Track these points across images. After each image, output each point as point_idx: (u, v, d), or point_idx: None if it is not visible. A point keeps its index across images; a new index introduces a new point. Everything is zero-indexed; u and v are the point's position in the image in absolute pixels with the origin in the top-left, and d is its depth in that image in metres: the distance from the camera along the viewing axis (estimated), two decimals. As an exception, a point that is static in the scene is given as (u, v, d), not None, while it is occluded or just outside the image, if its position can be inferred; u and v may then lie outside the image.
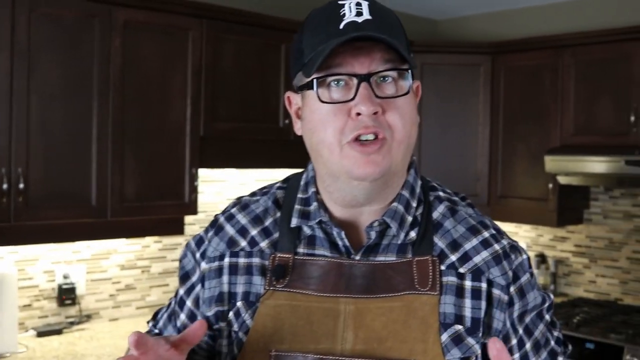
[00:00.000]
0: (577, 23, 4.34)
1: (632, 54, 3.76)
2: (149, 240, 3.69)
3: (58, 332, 3.28)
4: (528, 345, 1.26)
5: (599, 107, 3.91)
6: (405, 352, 1.16)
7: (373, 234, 1.21)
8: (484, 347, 1.19)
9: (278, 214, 1.28)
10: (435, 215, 1.26)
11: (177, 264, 3.78)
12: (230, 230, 1.29)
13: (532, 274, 1.28)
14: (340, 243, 1.22)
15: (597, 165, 3.76)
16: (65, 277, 3.39)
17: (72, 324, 3.40)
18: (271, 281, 1.22)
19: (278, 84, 3.73)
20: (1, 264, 3.19)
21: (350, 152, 1.14)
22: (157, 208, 3.31)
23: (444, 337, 1.17)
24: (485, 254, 1.22)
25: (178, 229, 3.43)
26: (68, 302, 3.39)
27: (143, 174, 3.25)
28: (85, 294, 3.48)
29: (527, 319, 1.26)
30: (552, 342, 1.31)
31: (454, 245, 1.23)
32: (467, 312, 1.19)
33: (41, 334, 3.24)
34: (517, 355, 1.25)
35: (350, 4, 1.14)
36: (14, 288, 3.04)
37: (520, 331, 1.25)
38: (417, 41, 4.35)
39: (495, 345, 1.02)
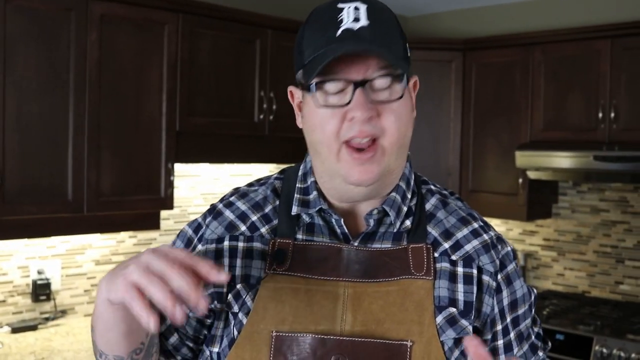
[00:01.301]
0: (548, 21, 4.41)
1: (601, 51, 3.84)
2: (123, 235, 3.68)
3: (33, 328, 3.26)
4: (512, 335, 1.31)
5: (568, 103, 3.98)
6: (402, 333, 1.21)
7: (372, 222, 1.26)
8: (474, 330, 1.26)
9: (277, 202, 1.32)
10: (428, 206, 1.33)
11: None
12: (230, 215, 1.31)
13: (517, 264, 1.34)
14: (338, 230, 1.27)
15: (566, 160, 3.83)
16: (39, 272, 3.36)
17: (47, 319, 3.37)
18: (272, 265, 1.25)
19: (253, 80, 3.73)
20: (-25, 259, 3.16)
21: (346, 156, 1.19)
22: (133, 203, 3.30)
23: (439, 318, 1.23)
24: (475, 242, 1.29)
25: (154, 224, 3.42)
26: (43, 297, 3.37)
27: (119, 168, 3.24)
28: (60, 289, 3.46)
29: (520, 311, 1.32)
30: (533, 337, 1.36)
31: (447, 234, 1.29)
32: (460, 296, 1.25)
33: (16, 330, 3.21)
34: (500, 342, 1.30)
35: (349, 8, 1.17)
36: (-11, 284, 3.01)
37: (508, 319, 1.31)
38: (389, 37, 4.38)
39: (472, 342, 1.06)
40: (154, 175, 3.37)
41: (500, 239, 1.34)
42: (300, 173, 1.34)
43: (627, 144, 3.69)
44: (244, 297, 1.24)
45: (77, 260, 3.52)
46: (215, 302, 1.25)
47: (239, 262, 1.27)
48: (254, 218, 1.30)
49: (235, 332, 1.24)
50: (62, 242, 3.46)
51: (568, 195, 4.39)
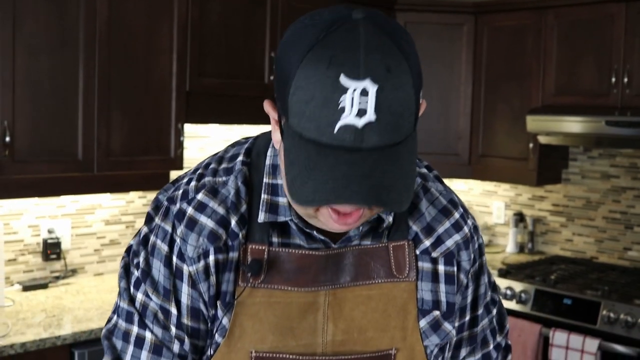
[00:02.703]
0: (561, -16, 4.35)
1: (615, 15, 3.80)
2: (133, 195, 3.69)
3: (44, 286, 3.29)
4: (465, 334, 1.30)
5: (580, 68, 3.95)
6: (385, 341, 1.17)
7: (360, 229, 1.15)
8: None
9: (248, 198, 1.15)
10: None
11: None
12: (208, 222, 1.13)
13: (484, 257, 1.31)
14: (317, 237, 1.14)
15: (578, 125, 3.81)
16: (50, 231, 3.38)
17: (57, 278, 3.40)
18: (246, 277, 1.13)
19: (264, 41, 3.71)
20: (-14, 217, 3.18)
21: (325, 213, 1.03)
22: (143, 163, 3.30)
23: (423, 323, 1.19)
24: (456, 237, 1.23)
25: (164, 184, 3.40)
26: (53, 256, 3.39)
27: (129, 128, 3.23)
28: (70, 248, 3.48)
29: (479, 311, 1.30)
30: (490, 346, 1.34)
31: (428, 230, 1.21)
32: (443, 297, 1.20)
33: (27, 288, 3.24)
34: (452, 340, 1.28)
35: (354, 91, 0.92)
36: (0, 242, 3.03)
37: (467, 318, 1.29)
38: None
39: None
40: (164, 135, 3.37)
41: (476, 228, 1.28)
42: (268, 162, 1.16)
43: (639, 110, 3.66)
44: (219, 316, 1.14)
45: (86, 220, 3.54)
46: (202, 324, 1.17)
47: (224, 276, 1.13)
48: (233, 223, 1.13)
49: (211, 353, 1.15)
50: (72, 202, 3.48)
51: (578, 160, 4.37)
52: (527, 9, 4.16)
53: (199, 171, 1.18)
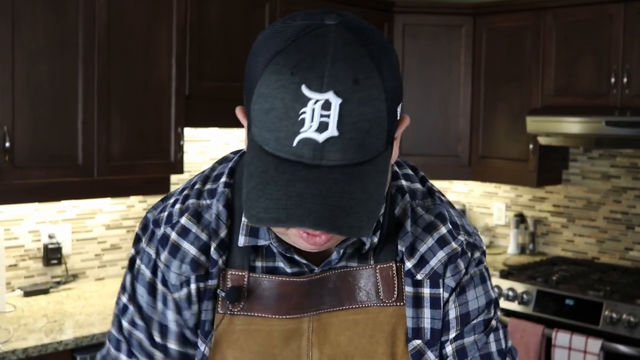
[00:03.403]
0: (559, -16, 4.36)
1: (613, 15, 3.80)
2: (133, 199, 3.68)
3: (45, 291, 3.28)
4: (449, 349, 1.15)
5: (579, 68, 3.95)
6: None
7: (341, 251, 1.09)
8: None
9: (229, 222, 1.11)
10: (397, 212, 1.13)
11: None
12: (190, 249, 1.09)
13: (482, 270, 1.18)
14: (302, 261, 1.09)
15: (577, 125, 3.81)
16: (50, 236, 3.37)
17: (58, 283, 3.39)
18: (225, 305, 1.09)
19: (263, 44, 3.70)
20: (-14, 223, 3.17)
21: (292, 229, 0.97)
22: (143, 167, 3.29)
23: None
24: (441, 254, 1.12)
25: (164, 188, 3.42)
26: (54, 261, 3.38)
27: (129, 132, 3.23)
28: (70, 253, 3.47)
29: (470, 324, 1.15)
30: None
31: (411, 250, 1.12)
32: (427, 324, 1.12)
33: (28, 293, 3.23)
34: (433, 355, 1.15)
35: (315, 103, 0.86)
36: (1, 248, 3.02)
37: (451, 336, 1.15)
38: (398, 1, 4.35)
39: None
40: (164, 139, 3.36)
41: (470, 244, 1.16)
42: None
43: (639, 110, 3.66)
44: (199, 345, 1.11)
45: (87, 224, 3.53)
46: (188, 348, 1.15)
47: (205, 304, 1.10)
48: (212, 249, 1.09)
49: None
50: (72, 207, 3.47)
51: (578, 161, 4.37)
52: (526, 10, 4.16)
53: (185, 192, 1.15)
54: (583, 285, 3.72)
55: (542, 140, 4.03)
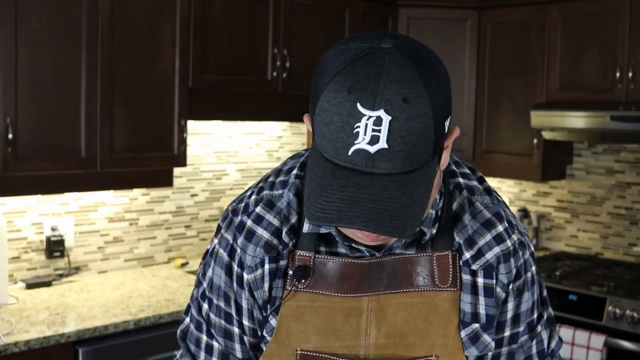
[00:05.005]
0: (564, -22, 4.34)
1: (619, 9, 3.78)
2: (136, 192, 3.68)
3: (47, 284, 3.27)
4: (504, 349, 1.28)
5: (584, 63, 3.93)
6: (426, 347, 1.21)
7: (403, 240, 1.21)
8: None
9: (299, 209, 1.25)
10: (455, 206, 1.25)
11: (164, 216, 3.78)
12: (264, 233, 1.23)
13: (533, 272, 1.29)
14: (362, 248, 1.20)
15: (582, 120, 3.79)
16: (53, 229, 3.37)
17: (61, 276, 3.39)
18: (292, 281, 1.22)
19: (267, 37, 3.69)
20: (-11, 215, 3.17)
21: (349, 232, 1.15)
22: (146, 160, 3.28)
23: (462, 335, 1.22)
24: (497, 249, 1.23)
25: (167, 181, 3.41)
26: (56, 254, 3.38)
27: (132, 125, 3.22)
28: (73, 246, 3.47)
29: (521, 327, 1.28)
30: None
31: (470, 242, 1.23)
32: (482, 310, 1.23)
33: (30, 285, 3.23)
34: (489, 354, 1.27)
35: (368, 119, 0.98)
36: (4, 240, 3.02)
37: (506, 334, 1.28)
38: (404, -5, 4.33)
39: None
40: (167, 132, 3.35)
41: (522, 243, 1.27)
42: None
43: (644, 104, 3.65)
44: (270, 320, 1.24)
45: (90, 217, 3.53)
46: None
47: (276, 283, 1.23)
48: (284, 233, 1.23)
49: (263, 349, 1.26)
50: (75, 199, 3.46)
51: (583, 156, 4.35)
52: (531, 4, 4.14)
53: (260, 184, 1.29)
54: (586, 281, 3.71)
55: (547, 135, 4.01)
